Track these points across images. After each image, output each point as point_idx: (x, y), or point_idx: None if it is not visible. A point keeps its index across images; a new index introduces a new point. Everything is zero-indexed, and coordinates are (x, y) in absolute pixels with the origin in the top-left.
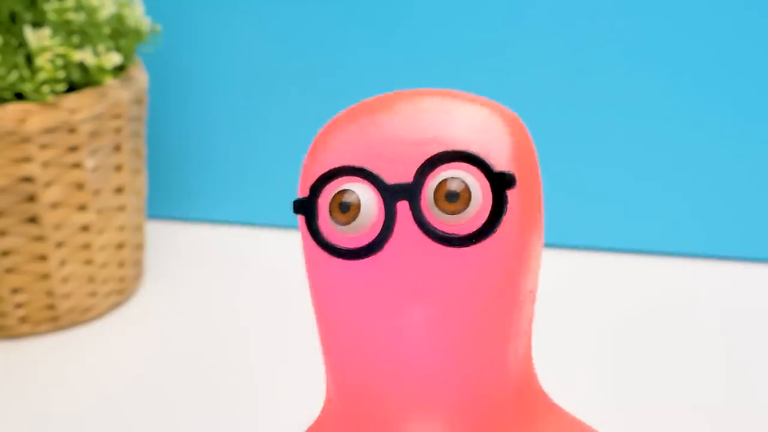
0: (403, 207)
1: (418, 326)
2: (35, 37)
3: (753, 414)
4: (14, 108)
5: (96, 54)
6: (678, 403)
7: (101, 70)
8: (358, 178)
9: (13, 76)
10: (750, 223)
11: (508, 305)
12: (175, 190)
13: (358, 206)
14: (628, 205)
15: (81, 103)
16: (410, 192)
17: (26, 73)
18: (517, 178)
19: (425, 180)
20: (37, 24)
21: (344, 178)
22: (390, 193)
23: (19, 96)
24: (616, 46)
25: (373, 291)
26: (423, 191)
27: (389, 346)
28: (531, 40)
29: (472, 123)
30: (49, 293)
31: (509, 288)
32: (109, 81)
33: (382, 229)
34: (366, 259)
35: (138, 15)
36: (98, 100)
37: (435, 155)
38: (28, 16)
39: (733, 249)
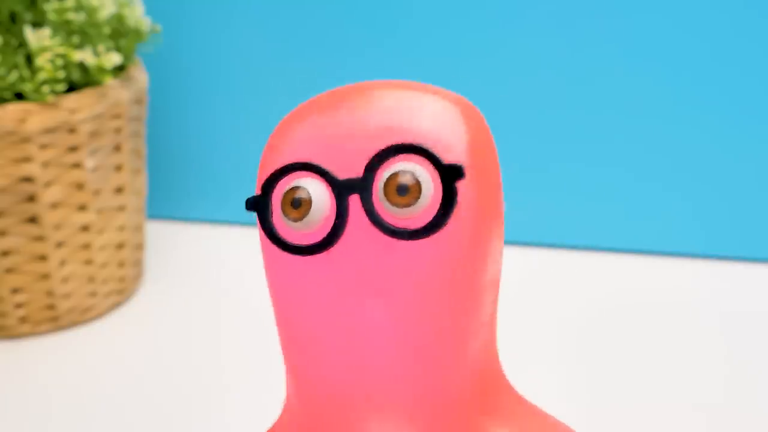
0: (354, 201)
1: (373, 321)
2: (35, 37)
3: (752, 414)
4: (14, 108)
5: (96, 54)
6: (678, 403)
7: (101, 70)
8: (310, 174)
9: (13, 76)
10: (750, 223)
11: (465, 298)
12: (175, 190)
13: (309, 202)
14: (628, 205)
15: (81, 103)
16: (360, 186)
17: (26, 73)
18: (471, 169)
19: (375, 174)
20: (37, 24)
21: (296, 173)
22: (341, 188)
23: (19, 96)
24: (616, 47)
25: (328, 287)
26: (374, 185)
27: (346, 342)
28: (531, 40)
29: (424, 114)
30: (49, 293)
31: (465, 281)
32: (109, 81)
33: (333, 225)
34: (319, 255)
35: (138, 15)
36: (98, 100)
37: (383, 149)
38: (28, 16)
39: (733, 249)
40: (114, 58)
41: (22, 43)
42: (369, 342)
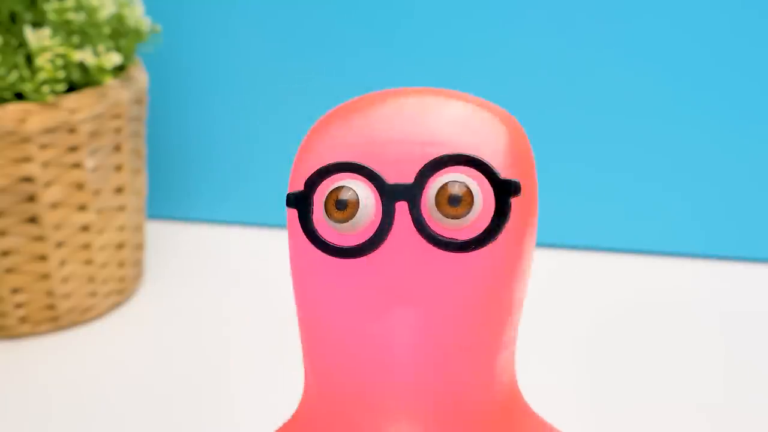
0: (401, 208)
1: (407, 330)
2: (35, 37)
3: (752, 414)
4: (14, 108)
5: (96, 54)
6: (678, 403)
7: (101, 70)
8: (357, 176)
9: (13, 76)
10: (750, 223)
11: (500, 314)
12: (175, 190)
13: (355, 204)
14: (628, 205)
15: (81, 103)
16: (410, 193)
17: (26, 73)
18: (522, 184)
19: (427, 182)
20: (37, 24)
21: (342, 174)
22: (389, 193)
23: (19, 96)
24: (616, 47)
25: (365, 291)
26: (423, 193)
27: (376, 347)
28: (532, 41)
29: (476, 126)
30: (49, 293)
31: (502, 297)
32: (109, 81)
33: (378, 229)
34: (359, 258)
35: (138, 15)
36: (98, 100)
37: (438, 157)
38: (28, 16)
39: (733, 249)
40: (114, 58)
41: (22, 43)
42: (398, 350)
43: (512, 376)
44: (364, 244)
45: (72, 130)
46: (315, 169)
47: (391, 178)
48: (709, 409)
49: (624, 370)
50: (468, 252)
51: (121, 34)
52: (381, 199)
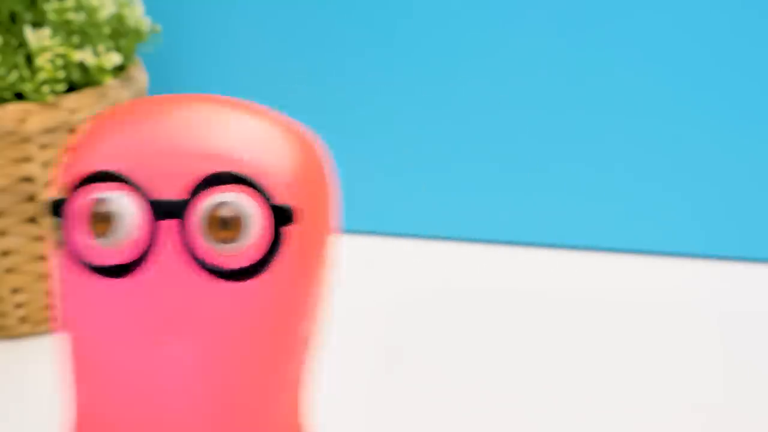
0: (171, 227)
1: (177, 361)
2: (35, 37)
3: (752, 414)
4: (14, 108)
5: (96, 54)
6: (677, 403)
7: (101, 70)
8: (123, 187)
9: (13, 76)
10: (750, 223)
11: (280, 351)
12: None
13: (116, 217)
14: (628, 205)
15: (81, 103)
16: (179, 211)
17: (26, 73)
18: (303, 211)
19: (198, 200)
20: (37, 24)
21: (107, 184)
22: (157, 209)
23: (19, 96)
24: (616, 47)
25: (131, 315)
26: (194, 212)
27: (144, 377)
28: (531, 40)
29: (262, 143)
30: (49, 293)
31: (282, 332)
32: (109, 81)
33: (143, 247)
34: (124, 279)
35: (138, 15)
36: (98, 100)
37: (210, 175)
38: (28, 16)
39: (733, 249)
40: (114, 58)
41: (22, 43)
42: (167, 380)
43: (299, 420)
44: (126, 263)
45: (72, 130)
46: (78, 176)
47: (161, 192)
48: (708, 409)
49: (624, 370)
50: (238, 281)
51: (121, 34)
52: (148, 215)
